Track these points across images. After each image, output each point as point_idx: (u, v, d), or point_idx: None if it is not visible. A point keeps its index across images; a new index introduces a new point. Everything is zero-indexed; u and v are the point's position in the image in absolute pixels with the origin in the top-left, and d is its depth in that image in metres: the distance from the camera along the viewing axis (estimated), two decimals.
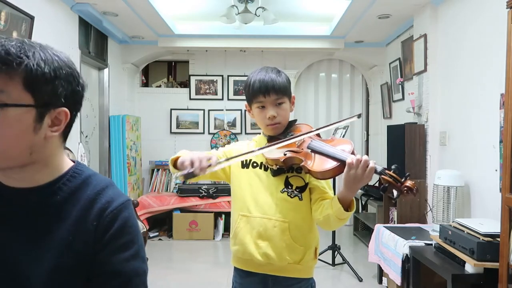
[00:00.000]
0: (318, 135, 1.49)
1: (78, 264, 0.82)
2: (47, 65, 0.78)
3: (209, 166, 1.22)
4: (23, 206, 0.84)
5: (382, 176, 1.24)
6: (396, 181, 1.23)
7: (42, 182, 0.84)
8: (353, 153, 1.30)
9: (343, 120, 1.47)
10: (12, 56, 0.75)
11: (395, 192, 1.25)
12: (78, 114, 0.89)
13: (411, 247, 2.84)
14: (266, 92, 1.44)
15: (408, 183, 1.22)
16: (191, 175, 1.21)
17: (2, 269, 0.81)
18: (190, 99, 5.73)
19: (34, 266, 0.81)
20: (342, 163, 1.28)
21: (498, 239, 2.15)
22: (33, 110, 0.78)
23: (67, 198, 0.85)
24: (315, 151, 1.37)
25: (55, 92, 0.80)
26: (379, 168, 1.24)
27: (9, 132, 0.77)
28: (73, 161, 0.92)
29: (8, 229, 0.83)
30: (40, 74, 0.77)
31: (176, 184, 5.23)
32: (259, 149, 1.34)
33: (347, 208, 1.31)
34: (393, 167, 1.25)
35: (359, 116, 1.47)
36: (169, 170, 5.52)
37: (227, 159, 1.32)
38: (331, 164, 1.30)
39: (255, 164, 1.50)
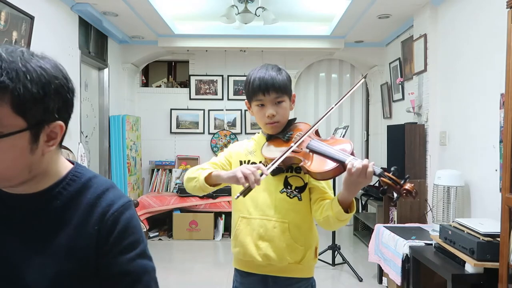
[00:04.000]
0: (318, 134, 1.48)
1: (80, 269, 0.81)
2: (34, 84, 0.73)
3: (262, 174, 1.23)
4: (23, 212, 0.83)
5: (381, 178, 1.22)
6: (395, 183, 1.20)
7: (42, 188, 0.84)
8: (352, 153, 1.29)
9: (351, 89, 1.48)
10: None
11: (395, 194, 1.24)
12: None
13: (411, 247, 2.84)
14: (265, 91, 1.42)
15: (407, 185, 1.18)
16: (249, 190, 1.23)
17: (3, 276, 0.80)
18: (190, 99, 5.73)
19: (36, 272, 0.80)
20: (341, 164, 1.26)
21: (498, 239, 2.14)
22: (27, 133, 0.75)
23: (67, 203, 0.84)
24: (314, 151, 1.35)
25: (47, 109, 0.76)
26: (378, 171, 1.22)
27: (5, 158, 0.75)
28: (72, 163, 0.90)
29: (9, 234, 0.82)
30: (29, 95, 0.72)
31: (176, 184, 5.23)
32: (274, 162, 1.33)
33: (347, 209, 1.30)
34: (392, 169, 1.22)
35: (365, 76, 1.48)
36: (169, 170, 5.53)
37: (274, 162, 1.31)
38: (330, 165, 1.28)
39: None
